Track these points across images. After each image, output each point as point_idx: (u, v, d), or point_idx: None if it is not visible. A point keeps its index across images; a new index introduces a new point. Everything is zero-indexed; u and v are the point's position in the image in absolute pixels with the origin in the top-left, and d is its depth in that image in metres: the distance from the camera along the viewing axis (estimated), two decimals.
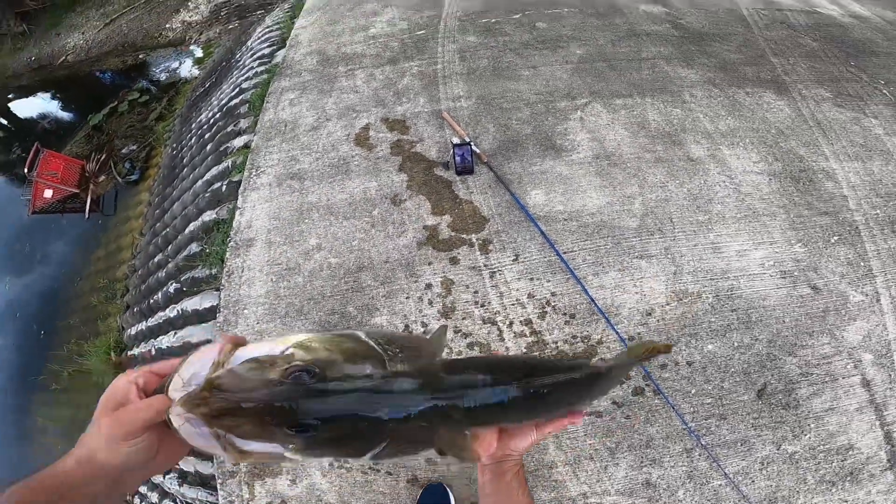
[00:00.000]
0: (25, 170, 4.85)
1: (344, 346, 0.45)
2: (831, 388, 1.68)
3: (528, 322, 1.83)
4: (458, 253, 2.06)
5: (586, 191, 2.23)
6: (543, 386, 0.52)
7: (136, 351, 2.80)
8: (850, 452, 1.58)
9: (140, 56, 8.51)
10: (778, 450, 1.57)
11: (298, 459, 0.42)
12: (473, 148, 2.35)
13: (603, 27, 3.59)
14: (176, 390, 0.42)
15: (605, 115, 2.65)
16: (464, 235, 2.12)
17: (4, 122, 8.23)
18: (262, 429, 0.39)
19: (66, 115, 7.80)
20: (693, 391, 1.67)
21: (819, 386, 1.68)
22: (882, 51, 3.59)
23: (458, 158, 2.30)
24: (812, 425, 1.61)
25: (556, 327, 1.81)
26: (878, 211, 2.19)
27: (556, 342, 1.77)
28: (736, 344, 1.76)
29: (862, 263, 1.99)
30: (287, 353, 0.44)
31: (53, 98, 8.28)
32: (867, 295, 1.89)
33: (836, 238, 2.07)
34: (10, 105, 8.58)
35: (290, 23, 4.36)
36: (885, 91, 3.03)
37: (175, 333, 2.40)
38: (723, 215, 2.14)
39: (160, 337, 2.57)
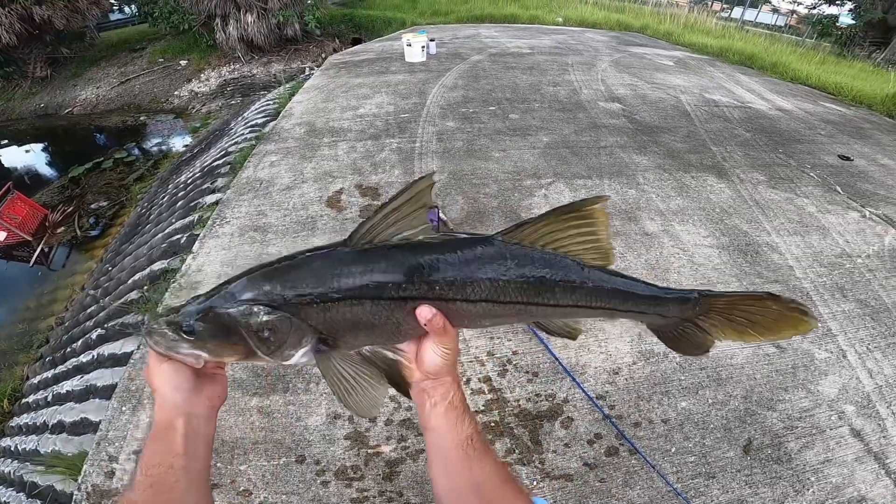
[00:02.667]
0: None
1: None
2: (821, 439, 1.66)
3: (486, 379, 1.83)
4: None
5: None
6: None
7: (31, 398, 2.70)
8: None
9: (141, 118, 8.98)
10: None
11: (215, 359, 0.52)
12: (440, 215, 2.49)
13: (567, 119, 4.06)
14: None
15: (568, 192, 2.91)
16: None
17: None
18: (177, 336, 0.50)
19: (48, 164, 7.86)
20: (673, 449, 1.62)
21: (807, 438, 1.66)
22: (805, 138, 4.10)
23: None
24: (812, 479, 1.54)
25: (518, 385, 1.81)
26: (825, 279, 2.38)
27: (518, 400, 1.76)
28: (710, 401, 1.76)
29: (819, 324, 2.10)
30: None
31: (44, 150, 8.39)
32: (832, 352, 1.98)
33: None
34: (0, 152, 8.61)
35: (288, 98, 4.80)
36: (811, 174, 3.43)
37: (81, 377, 2.34)
38: (679, 283, 2.29)
39: (63, 382, 2.48)
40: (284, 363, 0.51)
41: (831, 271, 2.43)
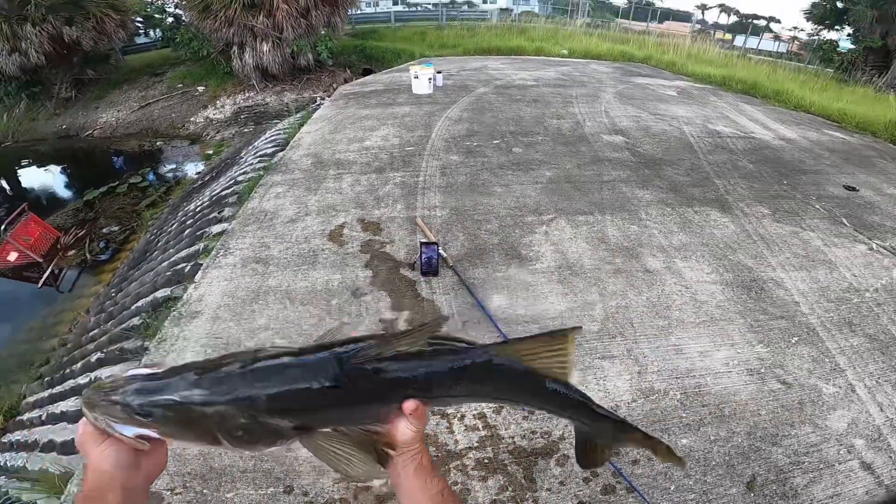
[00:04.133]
0: (2, 226, 4.88)
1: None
2: (829, 473, 1.61)
3: (481, 416, 1.81)
4: None
5: (548, 297, 2.38)
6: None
7: (26, 416, 2.73)
8: None
9: (157, 143, 9.24)
10: None
11: (168, 441, 0.51)
12: (440, 251, 2.51)
13: (570, 153, 4.11)
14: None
15: (569, 229, 2.93)
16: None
17: (6, 185, 8.45)
18: (127, 416, 0.48)
19: (65, 186, 8.06)
20: (672, 487, 1.58)
21: (815, 473, 1.62)
22: (810, 169, 4.09)
23: (424, 258, 2.43)
24: None
25: (514, 422, 1.78)
26: (832, 314, 2.34)
27: (513, 437, 1.74)
28: (712, 437, 1.72)
29: (827, 360, 2.07)
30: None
31: (62, 172, 8.61)
32: (840, 387, 1.94)
33: (795, 339, 2.19)
34: (18, 171, 8.88)
35: (297, 128, 4.92)
36: (817, 206, 3.41)
37: (77, 398, 2.35)
38: (682, 320, 2.27)
39: (58, 403, 2.49)
40: (254, 454, 0.53)
41: (839, 306, 2.40)
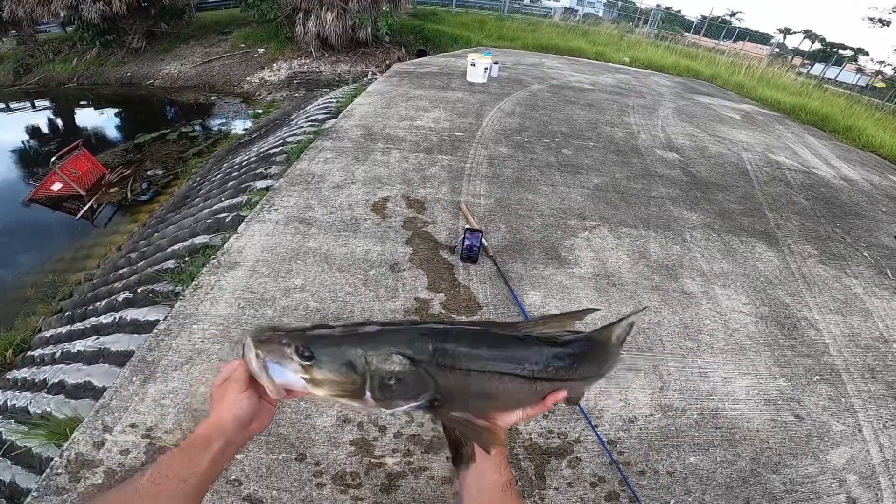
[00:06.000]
0: (52, 158, 5.03)
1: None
2: None
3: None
4: None
5: (583, 302, 2.40)
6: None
7: (37, 352, 2.62)
8: None
9: (212, 98, 9.57)
10: None
11: (318, 394, 0.52)
12: (483, 239, 2.53)
13: (621, 164, 4.06)
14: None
15: (611, 239, 2.92)
16: (454, 315, 2.18)
17: (61, 122, 8.82)
18: (292, 357, 0.51)
19: (119, 129, 8.36)
20: (672, 502, 1.62)
21: (804, 503, 1.66)
22: (865, 214, 3.94)
23: (466, 243, 2.45)
24: None
25: (533, 419, 1.81)
26: (858, 359, 2.34)
27: (531, 434, 1.78)
28: (719, 459, 1.76)
29: (843, 400, 2.09)
30: None
31: (117, 115, 8.96)
32: (849, 426, 1.96)
33: (817, 377, 2.19)
34: (77, 111, 9.28)
35: (350, 99, 5.00)
36: (865, 254, 3.30)
37: (97, 338, 2.26)
38: (711, 345, 2.27)
39: (76, 341, 2.39)
40: (382, 411, 0.56)
41: (866, 353, 2.39)
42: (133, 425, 1.50)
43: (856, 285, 2.91)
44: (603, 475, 1.67)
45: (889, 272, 3.12)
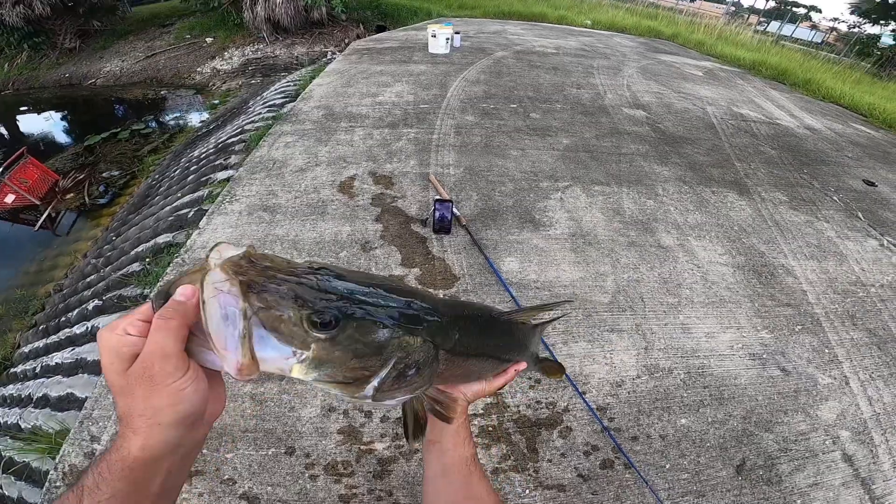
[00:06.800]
0: (0, 169, 4.75)
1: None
2: (812, 463, 1.64)
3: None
4: None
5: (560, 264, 2.33)
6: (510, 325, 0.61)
7: (20, 368, 2.59)
8: None
9: (162, 92, 8.99)
10: None
11: (302, 378, 0.37)
12: (454, 209, 2.45)
13: (589, 123, 3.98)
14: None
15: (584, 198, 2.85)
16: (430, 290, 2.11)
17: (3, 130, 8.26)
18: (283, 322, 0.34)
19: (65, 132, 7.85)
20: (667, 466, 1.60)
21: (800, 461, 1.65)
22: (831, 160, 3.99)
23: (437, 215, 2.37)
24: (798, 502, 1.54)
25: (520, 391, 1.77)
26: (837, 306, 2.33)
27: (518, 406, 1.73)
28: (710, 419, 1.74)
29: (826, 350, 2.08)
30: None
31: (63, 118, 8.41)
32: (835, 378, 1.95)
33: (799, 327, 2.18)
34: (17, 117, 8.69)
35: (308, 80, 4.77)
36: (834, 198, 3.33)
37: (73, 349, 2.21)
38: (691, 300, 2.24)
39: (53, 354, 2.35)
40: (370, 403, 0.41)
41: (844, 298, 2.38)
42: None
43: (828, 229, 2.92)
44: (595, 443, 1.63)
45: (860, 214, 3.16)
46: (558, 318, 0.93)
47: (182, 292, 0.36)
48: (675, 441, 1.66)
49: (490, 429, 1.63)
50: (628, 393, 1.80)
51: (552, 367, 0.82)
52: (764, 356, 2.00)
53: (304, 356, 0.35)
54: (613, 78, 5.44)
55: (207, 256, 0.36)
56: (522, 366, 0.65)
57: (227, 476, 1.40)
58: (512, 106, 4.19)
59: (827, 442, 1.71)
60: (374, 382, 0.39)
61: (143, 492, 0.36)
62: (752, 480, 1.57)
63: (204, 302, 0.33)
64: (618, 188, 3.00)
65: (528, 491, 1.49)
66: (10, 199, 4.83)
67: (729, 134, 4.19)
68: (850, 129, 5.11)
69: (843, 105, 6.17)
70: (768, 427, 1.73)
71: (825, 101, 6.30)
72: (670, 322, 2.11)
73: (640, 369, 1.89)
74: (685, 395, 1.81)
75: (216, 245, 0.37)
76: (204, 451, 1.44)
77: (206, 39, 10.40)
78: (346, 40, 9.53)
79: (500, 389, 0.64)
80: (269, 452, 1.47)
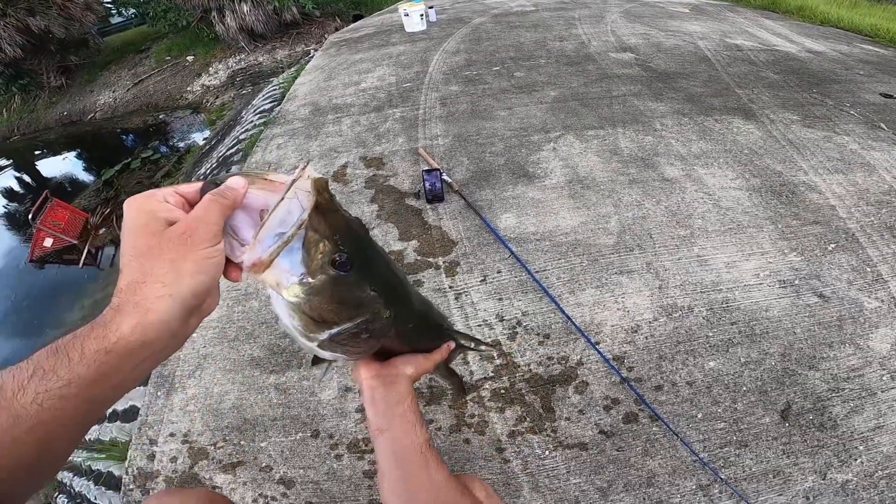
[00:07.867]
0: (29, 217, 4.96)
1: None
2: (871, 403, 1.43)
3: (496, 344, 1.70)
4: (423, 276, 1.98)
5: (559, 212, 2.21)
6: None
7: None
8: None
9: (160, 116, 9.10)
10: (824, 479, 1.28)
11: (286, 296, 0.42)
12: (444, 177, 2.39)
13: (576, 73, 3.81)
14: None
15: (578, 144, 2.71)
16: (430, 259, 2.07)
17: (27, 177, 8.51)
18: (317, 248, 0.41)
19: (83, 170, 8.11)
20: (699, 415, 1.43)
21: (856, 402, 1.44)
22: (842, 78, 3.73)
23: (427, 185, 2.33)
24: (860, 448, 1.34)
25: (529, 348, 1.66)
26: (872, 218, 2.10)
27: (529, 364, 1.62)
28: (743, 360, 1.55)
29: (868, 269, 1.85)
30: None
31: (77, 156, 8.62)
32: (883, 301, 1.71)
33: (833, 245, 1.97)
34: (36, 162, 8.94)
35: (292, 81, 4.74)
36: (851, 112, 3.10)
37: None
38: (705, 229, 2.08)
39: None
40: (313, 345, 0.47)
41: (879, 210, 2.16)
42: (172, 434, 1.56)
43: (850, 142, 2.71)
44: (616, 396, 1.50)
45: (883, 125, 2.93)
46: (471, 348, 1.06)
47: (235, 182, 0.41)
48: (704, 387, 1.51)
49: (502, 391, 1.54)
50: (646, 338, 1.66)
51: (457, 383, 1.01)
52: (796, 282, 1.81)
53: (306, 280, 0.42)
54: (596, 26, 5.21)
55: (304, 167, 0.44)
56: (452, 345, 0.71)
57: (264, 464, 1.46)
58: (495, 69, 4.04)
59: (884, 377, 1.50)
60: (334, 330, 0.46)
61: (103, 383, 0.34)
62: (801, 426, 1.40)
63: (282, 198, 0.40)
64: (612, 130, 2.84)
65: (547, 452, 1.39)
66: (48, 242, 5.03)
67: (725, 64, 3.97)
68: (857, 49, 4.80)
69: (844, 28, 5.84)
70: (812, 364, 1.54)
71: (823, 25, 5.97)
72: (684, 256, 1.97)
73: (656, 311, 1.74)
74: (710, 334, 1.65)
75: (309, 162, 0.49)
76: (242, 442, 1.49)
77: (188, 58, 10.39)
78: (325, 35, 9.40)
79: (435, 366, 0.66)
80: (297, 437, 1.51)
